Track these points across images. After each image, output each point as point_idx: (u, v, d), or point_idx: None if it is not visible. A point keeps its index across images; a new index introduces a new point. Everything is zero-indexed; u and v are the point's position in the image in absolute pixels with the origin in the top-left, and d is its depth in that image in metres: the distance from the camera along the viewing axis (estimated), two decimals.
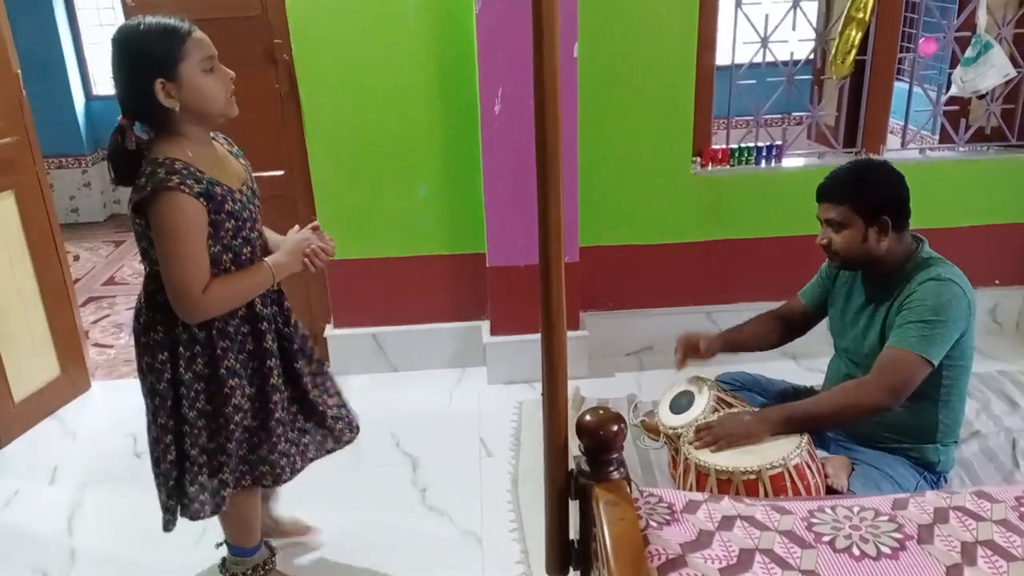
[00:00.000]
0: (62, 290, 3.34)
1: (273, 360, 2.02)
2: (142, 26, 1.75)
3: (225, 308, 1.88)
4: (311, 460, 2.22)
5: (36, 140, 3.19)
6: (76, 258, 5.15)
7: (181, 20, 1.78)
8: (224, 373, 1.92)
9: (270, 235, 2.09)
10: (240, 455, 2.03)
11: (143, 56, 1.75)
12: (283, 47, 3.08)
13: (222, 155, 1.95)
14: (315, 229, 2.04)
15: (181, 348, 1.90)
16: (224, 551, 2.26)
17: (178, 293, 1.80)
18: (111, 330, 4.09)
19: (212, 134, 1.96)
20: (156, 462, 2.02)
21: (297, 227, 2.06)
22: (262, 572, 2.23)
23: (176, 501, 2.02)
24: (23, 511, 2.75)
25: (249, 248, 1.93)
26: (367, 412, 3.21)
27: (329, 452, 2.27)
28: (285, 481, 2.12)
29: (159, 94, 1.75)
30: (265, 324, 1.99)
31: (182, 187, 1.74)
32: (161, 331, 1.90)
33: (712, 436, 2.09)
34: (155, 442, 1.99)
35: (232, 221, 1.85)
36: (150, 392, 1.95)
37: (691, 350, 2.42)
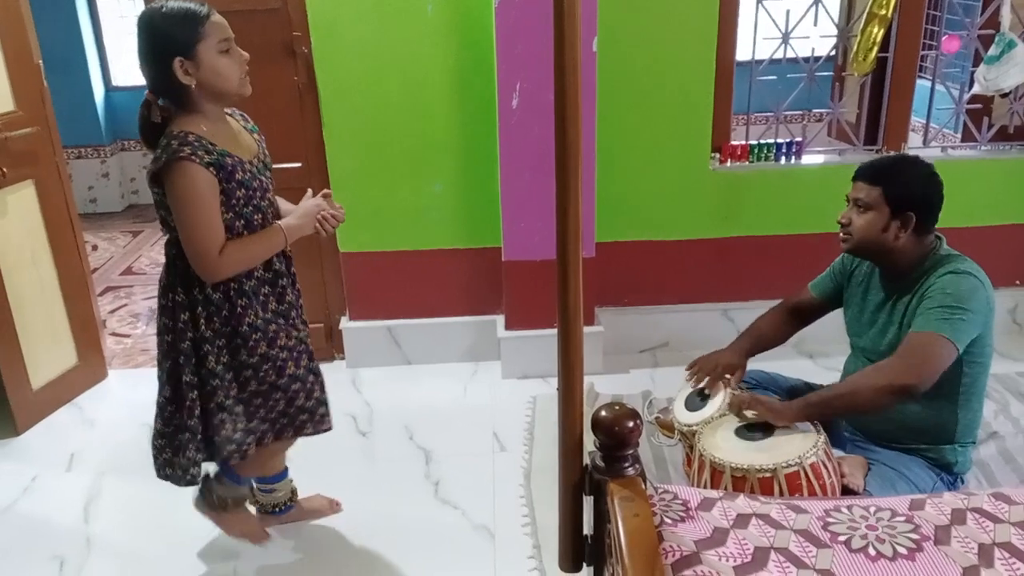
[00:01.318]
0: (80, 279, 3.37)
1: (296, 312, 2.19)
2: (164, 8, 1.89)
3: (242, 268, 2.02)
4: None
5: (56, 131, 3.21)
6: (94, 248, 5.19)
7: (200, 4, 1.91)
8: (246, 329, 2.05)
9: (283, 204, 2.21)
10: (280, 409, 2.18)
11: (163, 36, 1.87)
12: (302, 40, 3.09)
13: (237, 130, 2.08)
14: (326, 196, 2.19)
15: (200, 308, 2.03)
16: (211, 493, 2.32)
17: (197, 256, 1.94)
18: (128, 320, 4.12)
19: (229, 111, 2.08)
20: (171, 423, 2.11)
21: (310, 191, 2.21)
22: (234, 501, 2.33)
23: (199, 457, 2.12)
24: (40, 498, 2.78)
25: (260, 215, 2.05)
26: (381, 405, 3.25)
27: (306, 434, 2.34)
28: (327, 429, 2.30)
29: (177, 72, 1.88)
30: (285, 280, 2.15)
31: (193, 157, 1.87)
32: (181, 292, 2.03)
33: (740, 399, 2.14)
34: (176, 402, 2.09)
35: (242, 190, 1.98)
36: (172, 352, 2.06)
37: (718, 377, 2.36)
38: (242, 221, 2.01)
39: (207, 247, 1.92)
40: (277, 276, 2.13)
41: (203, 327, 2.03)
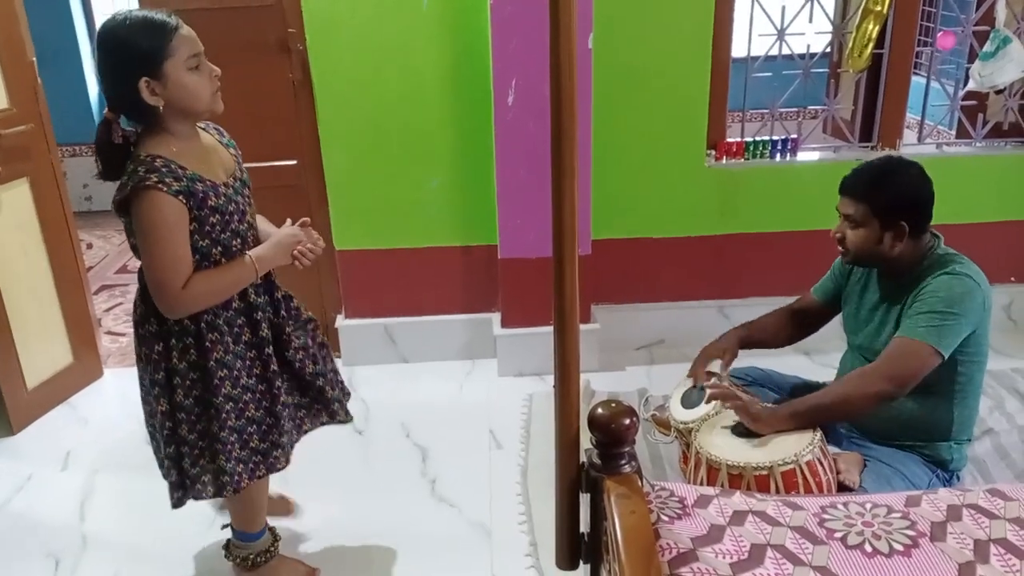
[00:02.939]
0: (75, 278, 3.36)
1: (270, 347, 2.04)
2: (127, 21, 1.75)
3: (206, 303, 1.90)
4: (306, 432, 2.26)
5: (51, 128, 3.20)
6: (89, 246, 5.18)
7: (168, 15, 1.78)
8: (213, 365, 1.94)
9: (264, 225, 2.10)
10: (252, 447, 2.06)
11: (127, 53, 1.74)
12: (297, 36, 3.08)
13: (210, 147, 1.95)
14: (304, 225, 2.06)
15: (173, 340, 1.93)
16: (228, 534, 2.27)
17: (158, 289, 1.83)
18: (123, 318, 4.11)
19: (202, 124, 1.96)
20: (159, 447, 2.06)
21: (289, 221, 2.07)
22: (265, 557, 2.25)
23: (179, 480, 2.05)
24: (35, 497, 2.77)
25: (239, 240, 1.94)
26: (377, 403, 3.25)
27: (323, 424, 2.28)
28: (289, 461, 2.17)
29: (143, 92, 1.75)
30: (260, 313, 2.01)
31: (160, 185, 1.75)
32: (155, 323, 1.94)
33: (723, 395, 2.14)
34: (159, 428, 2.02)
35: (217, 216, 1.86)
36: (150, 381, 1.99)
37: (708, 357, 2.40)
38: (219, 248, 1.90)
39: (168, 280, 1.81)
40: (252, 308, 2.00)
41: (175, 359, 1.94)
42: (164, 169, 1.77)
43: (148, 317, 1.94)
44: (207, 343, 1.93)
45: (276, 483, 2.52)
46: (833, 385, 2.18)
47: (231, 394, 1.98)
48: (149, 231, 1.78)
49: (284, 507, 2.58)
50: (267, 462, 2.10)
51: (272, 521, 2.34)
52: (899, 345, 2.04)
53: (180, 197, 1.78)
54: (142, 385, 2.05)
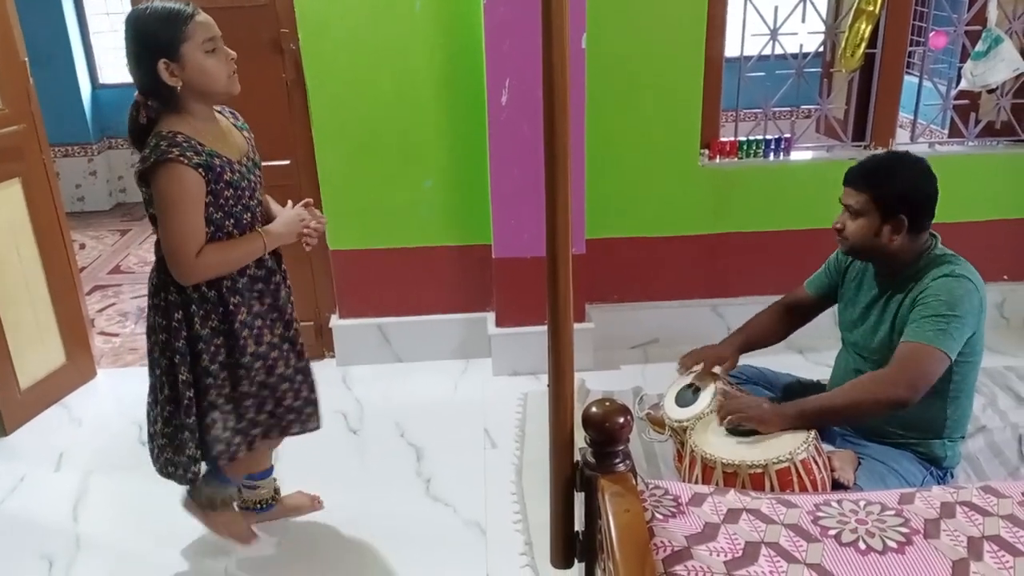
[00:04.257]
0: (68, 278, 3.35)
1: (290, 308, 2.20)
2: (148, 10, 1.88)
3: (216, 273, 2.01)
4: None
5: (43, 128, 3.19)
6: (82, 246, 5.16)
7: (185, 4, 1.90)
8: (239, 327, 2.06)
9: (272, 205, 2.22)
10: (268, 409, 2.18)
11: (148, 38, 1.87)
12: (290, 36, 3.08)
13: (225, 128, 2.07)
14: (307, 205, 2.21)
15: (194, 307, 2.02)
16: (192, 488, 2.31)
17: (173, 257, 1.94)
18: (117, 318, 4.10)
19: (218, 108, 2.08)
20: (171, 422, 2.10)
21: (290, 203, 2.20)
22: (222, 500, 2.32)
23: (199, 454, 2.12)
24: (29, 498, 2.76)
25: (250, 215, 2.07)
26: (371, 403, 3.25)
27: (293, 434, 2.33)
28: (314, 428, 2.30)
29: (163, 73, 1.87)
30: (278, 277, 2.16)
31: (181, 158, 1.86)
32: (174, 291, 2.02)
33: (726, 410, 2.10)
34: (175, 401, 2.08)
35: (231, 190, 1.98)
36: (167, 351, 2.05)
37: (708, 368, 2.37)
38: (232, 220, 2.01)
39: (185, 248, 1.92)
40: (270, 273, 2.13)
41: (198, 325, 2.02)
42: (185, 144, 1.88)
43: (167, 286, 2.02)
44: (231, 306, 2.04)
45: (286, 486, 2.54)
46: (842, 389, 2.14)
47: (258, 352, 2.10)
48: (170, 201, 1.90)
49: (312, 504, 2.61)
50: (281, 424, 2.24)
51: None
52: (911, 350, 2.02)
53: (200, 170, 1.89)
54: (152, 359, 2.12)
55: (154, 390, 2.14)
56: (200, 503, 2.30)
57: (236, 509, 2.43)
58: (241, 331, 2.06)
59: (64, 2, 5.44)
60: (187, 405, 2.06)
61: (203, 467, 2.18)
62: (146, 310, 2.14)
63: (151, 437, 2.18)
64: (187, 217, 1.91)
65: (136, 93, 1.95)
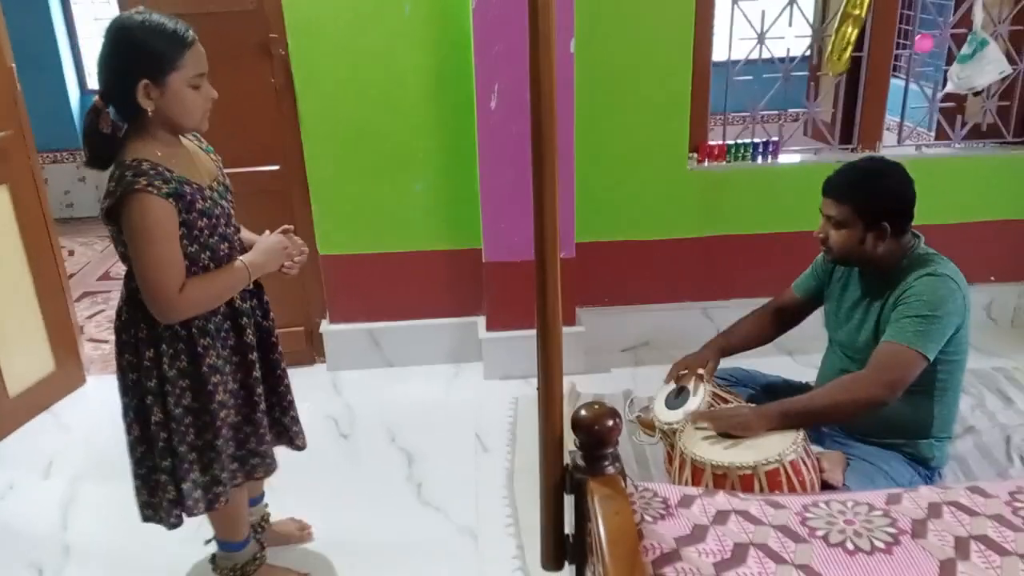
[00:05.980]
0: (56, 285, 3.33)
1: (254, 354, 2.03)
2: (146, 23, 1.74)
3: (202, 308, 1.88)
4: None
5: (30, 134, 3.18)
6: (71, 253, 5.14)
7: (186, 27, 1.77)
8: (206, 371, 1.92)
9: (245, 233, 2.09)
10: (230, 453, 2.03)
11: (138, 53, 1.74)
12: (279, 41, 3.07)
13: (192, 152, 1.93)
14: (286, 232, 2.06)
15: (164, 345, 1.89)
16: (214, 548, 2.26)
17: (153, 294, 1.80)
18: (106, 325, 4.08)
19: None
20: (143, 464, 2.01)
21: (268, 231, 2.06)
22: (252, 567, 2.23)
23: (167, 498, 2.00)
24: (17, 505, 2.75)
25: (227, 244, 1.94)
26: (362, 407, 3.24)
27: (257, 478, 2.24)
28: (273, 471, 2.16)
29: (139, 93, 1.74)
30: (245, 319, 2.00)
31: (150, 188, 1.73)
32: (144, 328, 1.89)
33: (709, 423, 2.11)
34: (146, 442, 1.98)
35: (204, 219, 1.85)
36: (137, 390, 1.94)
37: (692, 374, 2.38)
38: (208, 252, 1.88)
39: (166, 283, 1.78)
40: (237, 313, 1.99)
41: (165, 365, 1.89)
42: (152, 172, 1.75)
43: (136, 323, 1.90)
44: (199, 348, 1.90)
45: (275, 510, 2.50)
46: (823, 390, 2.17)
47: (224, 400, 1.96)
48: (142, 234, 1.75)
49: (301, 534, 2.51)
50: (244, 469, 2.10)
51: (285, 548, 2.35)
52: (889, 351, 2.05)
53: (170, 200, 1.76)
54: (125, 397, 1.98)
55: (128, 430, 2.01)
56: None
57: (267, 562, 2.29)
58: (210, 376, 1.91)
59: (52, 7, 5.42)
60: (162, 448, 1.94)
61: (185, 516, 2.04)
62: (114, 348, 1.99)
63: (132, 477, 2.06)
64: (163, 249, 1.77)
65: (96, 97, 1.81)
